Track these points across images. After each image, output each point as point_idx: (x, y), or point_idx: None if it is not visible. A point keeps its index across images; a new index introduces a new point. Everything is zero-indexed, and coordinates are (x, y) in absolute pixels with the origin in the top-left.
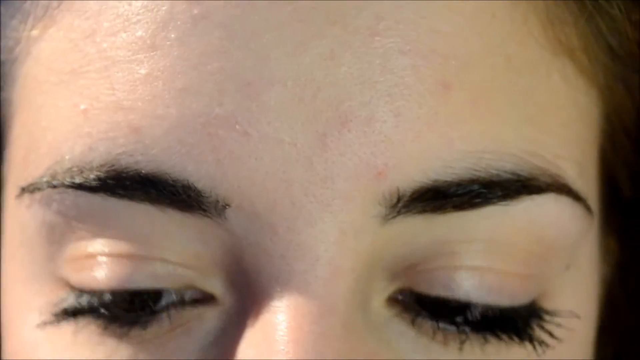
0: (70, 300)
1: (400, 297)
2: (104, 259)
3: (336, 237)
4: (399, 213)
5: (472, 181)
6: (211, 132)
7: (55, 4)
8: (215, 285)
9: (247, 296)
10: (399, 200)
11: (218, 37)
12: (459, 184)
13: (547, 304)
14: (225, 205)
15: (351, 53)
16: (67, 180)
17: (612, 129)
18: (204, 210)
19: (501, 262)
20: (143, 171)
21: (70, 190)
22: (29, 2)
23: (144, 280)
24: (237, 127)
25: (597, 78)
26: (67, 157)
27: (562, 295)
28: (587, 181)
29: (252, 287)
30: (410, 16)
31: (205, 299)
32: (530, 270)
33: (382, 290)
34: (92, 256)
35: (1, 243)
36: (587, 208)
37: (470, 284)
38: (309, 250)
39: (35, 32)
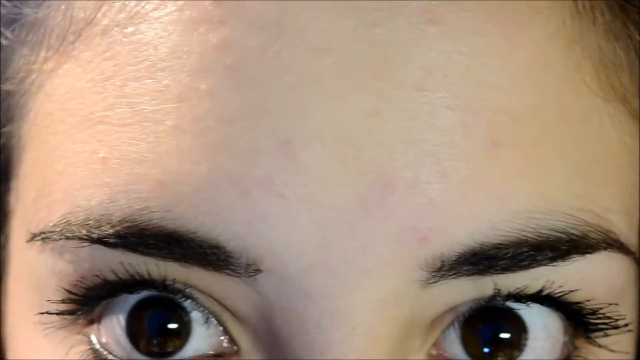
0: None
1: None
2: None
3: (375, 304)
4: (442, 277)
5: (521, 243)
6: (244, 193)
7: (71, 37)
8: (242, 337)
9: (276, 357)
10: (442, 265)
11: (253, 91)
12: (507, 247)
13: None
14: (257, 270)
15: (396, 109)
16: (84, 234)
17: None
18: (233, 271)
19: None
20: (167, 229)
21: (86, 243)
22: (42, 28)
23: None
24: (272, 188)
25: None
26: (84, 207)
27: (603, 343)
28: (633, 228)
29: (283, 350)
30: (459, 69)
31: (229, 353)
32: None
33: (420, 346)
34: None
35: (7, 279)
36: (636, 260)
37: None
38: (345, 318)
39: (49, 65)
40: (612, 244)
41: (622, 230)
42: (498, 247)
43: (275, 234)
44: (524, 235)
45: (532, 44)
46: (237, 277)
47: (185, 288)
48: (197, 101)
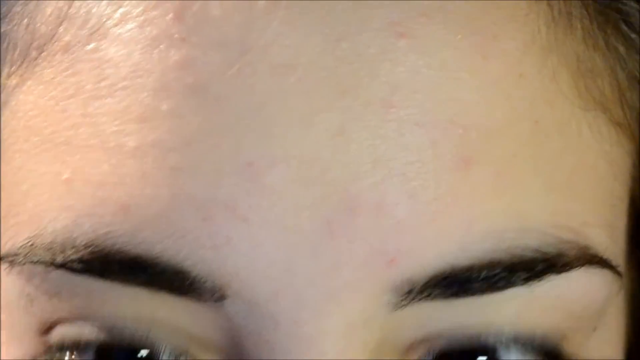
0: None
1: None
2: (87, 343)
3: (344, 329)
4: (412, 300)
5: (494, 264)
6: (207, 217)
7: (34, 53)
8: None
9: None
10: (412, 288)
11: (215, 111)
12: (480, 269)
13: None
14: (223, 296)
15: (362, 128)
16: (48, 259)
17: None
18: (199, 297)
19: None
20: (131, 254)
21: (51, 268)
22: (6, 42)
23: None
24: (236, 211)
25: (630, 125)
26: (48, 230)
27: (588, 356)
28: (616, 240)
29: None
30: (428, 84)
31: None
32: None
33: None
34: (74, 340)
35: None
36: (617, 273)
37: None
38: (315, 344)
39: (13, 81)
40: (590, 260)
41: (602, 243)
42: (470, 269)
43: (240, 259)
44: (497, 256)
45: (505, 55)
46: (204, 302)
47: (149, 333)
48: (158, 122)
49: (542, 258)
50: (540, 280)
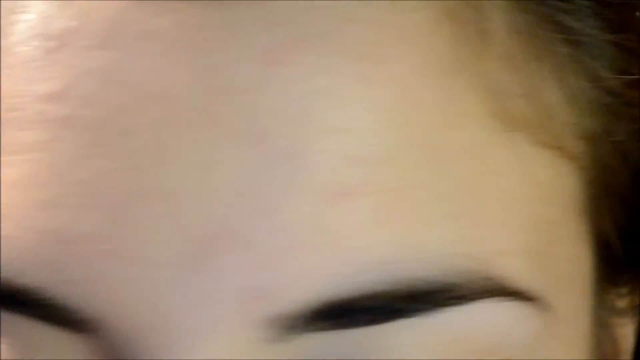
0: None
1: None
2: None
3: None
4: (289, 334)
5: (376, 296)
6: (77, 251)
7: None
8: None
9: None
10: (285, 323)
11: (83, 142)
12: (361, 300)
13: None
14: (95, 329)
15: (232, 161)
16: None
17: (598, 192)
18: (73, 328)
19: None
20: (13, 284)
21: None
22: None
23: None
24: (103, 246)
25: (565, 146)
26: None
27: None
28: (546, 268)
29: None
30: (303, 114)
31: None
32: None
33: None
34: None
35: None
36: (544, 304)
37: None
38: None
39: None
40: (498, 291)
41: (517, 272)
42: (350, 301)
43: (111, 293)
44: (381, 288)
45: (395, 79)
46: (79, 334)
47: None
48: (28, 155)
49: (435, 289)
50: (433, 311)
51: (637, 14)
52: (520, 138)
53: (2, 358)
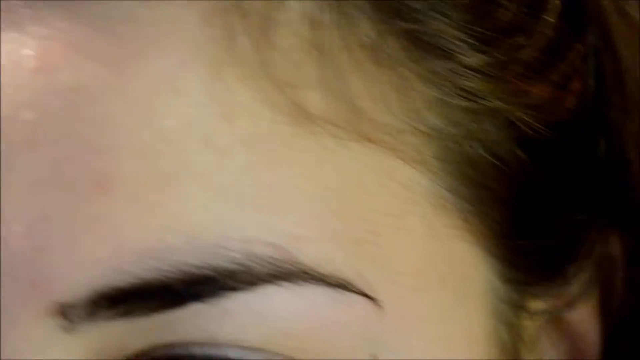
0: None
1: None
2: None
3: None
4: (81, 323)
5: (151, 284)
6: None
7: None
8: None
9: None
10: (68, 311)
11: None
12: (138, 288)
13: None
14: None
15: None
16: None
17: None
18: None
19: None
20: None
21: None
22: None
23: None
24: None
25: (390, 138)
26: None
27: None
28: (376, 259)
29: None
30: (61, 107)
31: None
32: None
33: None
34: None
35: None
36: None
37: None
38: None
39: None
40: (298, 275)
41: (327, 259)
42: (126, 290)
43: None
44: (156, 275)
45: (158, 73)
46: None
47: None
48: None
49: (209, 275)
50: (218, 296)
51: None
52: (321, 130)
53: None
